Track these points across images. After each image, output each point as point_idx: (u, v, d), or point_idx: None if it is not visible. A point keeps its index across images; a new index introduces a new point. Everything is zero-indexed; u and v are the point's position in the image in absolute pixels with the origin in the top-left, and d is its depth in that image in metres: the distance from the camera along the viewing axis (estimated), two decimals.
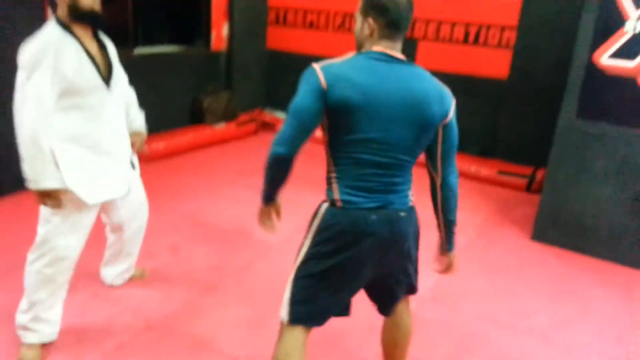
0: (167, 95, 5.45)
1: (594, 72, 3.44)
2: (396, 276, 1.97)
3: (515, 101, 5.17)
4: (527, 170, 4.89)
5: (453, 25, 5.37)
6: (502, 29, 5.12)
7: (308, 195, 4.41)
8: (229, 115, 5.96)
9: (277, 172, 1.79)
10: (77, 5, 2.11)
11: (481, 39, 5.24)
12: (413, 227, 1.93)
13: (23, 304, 2.35)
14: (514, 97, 5.16)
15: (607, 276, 3.45)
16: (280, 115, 6.38)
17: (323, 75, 1.65)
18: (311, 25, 6.23)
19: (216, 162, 5.14)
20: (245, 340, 2.61)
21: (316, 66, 1.69)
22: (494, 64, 5.21)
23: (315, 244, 1.84)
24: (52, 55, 2.04)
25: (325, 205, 1.83)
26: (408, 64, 1.74)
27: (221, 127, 5.78)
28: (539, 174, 4.76)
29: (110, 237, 2.80)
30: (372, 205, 1.74)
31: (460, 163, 5.06)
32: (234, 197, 4.29)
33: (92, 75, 2.18)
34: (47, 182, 2.09)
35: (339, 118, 1.68)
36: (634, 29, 3.28)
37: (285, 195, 4.17)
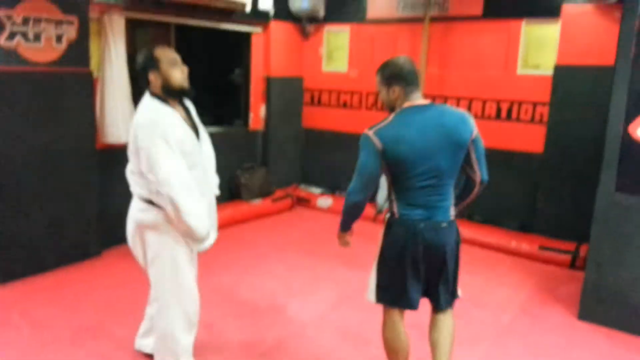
0: None
1: (630, 145, 3.39)
2: (439, 274, 2.47)
3: (553, 175, 5.11)
4: (570, 246, 4.72)
5: (484, 102, 5.45)
6: (535, 104, 5.17)
7: (343, 271, 4.38)
8: (265, 192, 6.08)
9: (354, 214, 2.50)
10: (169, 84, 2.52)
11: (514, 115, 5.29)
12: (454, 236, 2.49)
13: None
14: (551, 171, 5.11)
15: None
16: (316, 190, 6.46)
17: (377, 139, 2.28)
18: (344, 105, 6.44)
19: (251, 237, 5.19)
20: None
21: (369, 132, 2.32)
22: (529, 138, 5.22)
23: (384, 243, 2.49)
24: (162, 127, 2.40)
25: (388, 216, 2.48)
26: (431, 105, 2.36)
27: (257, 203, 5.88)
28: (582, 250, 4.59)
29: (153, 306, 2.82)
30: (420, 217, 2.35)
31: (500, 238, 5.02)
32: (268, 272, 4.28)
33: (191, 135, 2.55)
34: None
35: (396, 166, 2.31)
36: None
37: (320, 273, 4.23)
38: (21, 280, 3.97)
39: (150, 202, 2.51)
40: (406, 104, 2.33)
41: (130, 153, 2.53)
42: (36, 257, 4.08)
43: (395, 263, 2.40)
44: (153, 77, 2.50)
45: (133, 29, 5.06)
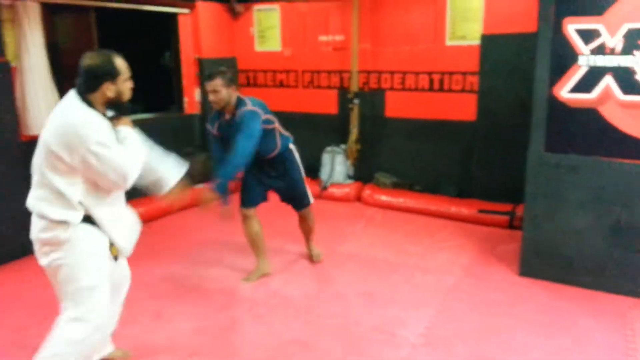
0: None
1: (556, 107, 3.56)
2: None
3: (486, 141, 5.30)
4: (507, 207, 4.94)
5: (417, 74, 5.56)
6: (465, 74, 5.31)
7: (290, 247, 4.38)
8: (207, 177, 5.93)
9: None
10: (121, 99, 2.31)
11: (446, 85, 5.43)
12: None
13: None
14: (484, 137, 5.29)
15: (597, 305, 3.43)
16: None
17: (261, 110, 3.52)
18: (281, 84, 6.37)
19: (195, 224, 5.07)
20: None
21: (255, 108, 3.49)
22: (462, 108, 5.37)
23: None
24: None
25: None
26: None
27: (200, 188, 5.73)
28: (519, 210, 4.81)
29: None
30: None
31: (440, 205, 5.17)
32: (215, 259, 4.22)
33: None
34: None
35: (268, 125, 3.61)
36: (588, 63, 3.44)
37: (270, 249, 4.18)
38: None
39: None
40: (238, 95, 3.53)
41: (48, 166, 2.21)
42: None
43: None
44: (106, 87, 2.24)
45: (50, 14, 4.75)
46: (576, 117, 3.53)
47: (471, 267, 4.04)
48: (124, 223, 2.46)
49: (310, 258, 4.16)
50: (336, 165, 5.91)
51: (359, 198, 5.76)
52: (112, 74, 2.25)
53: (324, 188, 5.84)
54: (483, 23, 5.09)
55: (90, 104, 2.24)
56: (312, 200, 3.94)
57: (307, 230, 4.07)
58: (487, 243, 4.52)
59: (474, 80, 5.28)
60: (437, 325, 3.19)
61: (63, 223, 2.22)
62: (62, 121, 2.19)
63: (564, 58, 3.50)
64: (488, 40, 5.10)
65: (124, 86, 2.31)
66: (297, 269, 4.02)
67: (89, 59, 2.26)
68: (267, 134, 3.56)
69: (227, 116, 3.52)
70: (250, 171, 3.64)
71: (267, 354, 2.89)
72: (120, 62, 2.29)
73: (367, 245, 4.51)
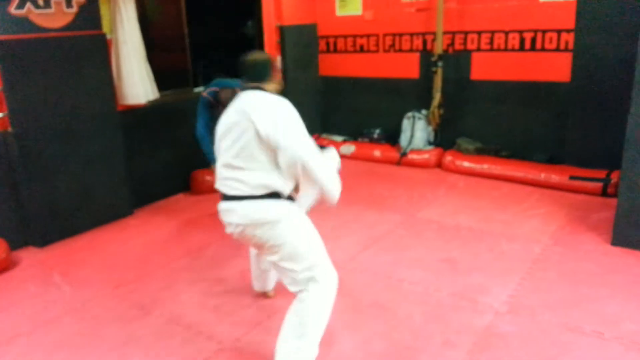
0: None
1: None
2: None
3: (581, 104, 4.96)
4: (601, 174, 4.62)
5: (506, 33, 5.27)
6: (559, 32, 4.97)
7: (370, 214, 4.40)
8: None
9: None
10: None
11: (538, 44, 5.10)
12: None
13: None
14: (579, 100, 4.95)
15: None
16: (338, 138, 6.42)
17: None
18: (361, 49, 6.29)
19: None
20: (317, 358, 2.58)
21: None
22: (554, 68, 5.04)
23: None
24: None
25: None
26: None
27: None
28: (614, 176, 4.49)
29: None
30: None
31: (528, 171, 4.94)
32: None
33: None
34: None
35: None
36: None
37: (349, 215, 4.20)
38: (58, 242, 4.10)
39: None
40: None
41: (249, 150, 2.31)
42: (71, 221, 4.20)
43: None
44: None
45: None
46: None
47: (560, 235, 3.86)
48: None
49: None
50: (416, 131, 5.79)
51: (439, 164, 5.63)
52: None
53: (403, 154, 5.76)
54: None
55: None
56: None
57: None
58: (577, 211, 4.28)
59: (569, 38, 4.92)
60: (522, 294, 3.09)
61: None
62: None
63: None
64: None
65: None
66: (375, 234, 4.03)
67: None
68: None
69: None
70: None
71: (345, 317, 2.95)
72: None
73: (449, 212, 4.42)
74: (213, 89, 3.99)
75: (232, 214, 2.38)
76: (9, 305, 3.23)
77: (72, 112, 4.10)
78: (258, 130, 2.26)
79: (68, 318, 3.06)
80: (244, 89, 2.45)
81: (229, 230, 2.46)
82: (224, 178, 2.41)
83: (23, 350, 2.78)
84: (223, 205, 2.43)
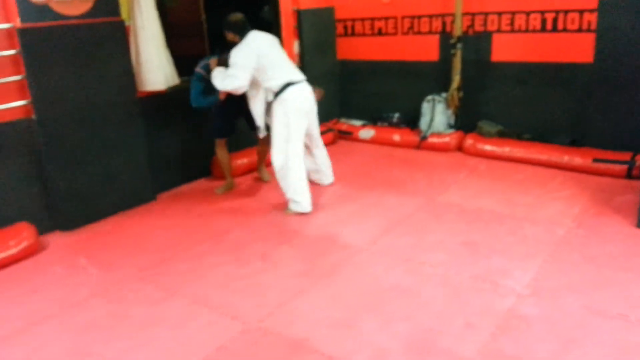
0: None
1: None
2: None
3: (604, 86, 4.86)
4: (626, 156, 4.55)
5: (528, 14, 5.17)
6: (581, 12, 4.86)
7: (391, 197, 4.40)
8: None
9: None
10: None
11: (560, 25, 5.00)
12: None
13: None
14: (603, 81, 4.86)
15: None
16: (357, 123, 6.40)
17: None
18: (380, 32, 6.24)
19: None
20: (339, 339, 2.61)
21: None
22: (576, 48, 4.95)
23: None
24: None
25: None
26: None
27: None
28: (639, 159, 4.42)
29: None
30: None
31: (551, 154, 4.88)
32: (318, 204, 4.33)
33: None
34: None
35: None
36: None
37: (369, 199, 4.22)
38: (84, 227, 4.18)
39: None
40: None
41: None
42: (95, 206, 4.28)
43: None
44: None
45: None
46: None
47: (584, 218, 3.82)
48: None
49: (262, 180, 5.04)
50: (436, 114, 5.74)
51: (460, 148, 5.59)
52: None
53: (424, 138, 5.72)
54: None
55: None
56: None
57: (262, 154, 4.95)
58: (601, 194, 4.22)
59: (591, 19, 4.81)
60: (545, 277, 3.08)
61: None
62: None
63: None
64: None
65: None
66: (395, 218, 4.03)
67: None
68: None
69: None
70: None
71: (367, 299, 2.97)
72: None
73: (471, 195, 4.39)
74: (204, 62, 4.45)
75: None
76: (39, 287, 3.32)
77: (92, 98, 4.14)
78: None
79: (96, 300, 3.13)
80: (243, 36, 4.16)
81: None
82: None
83: (54, 331, 2.86)
84: None
